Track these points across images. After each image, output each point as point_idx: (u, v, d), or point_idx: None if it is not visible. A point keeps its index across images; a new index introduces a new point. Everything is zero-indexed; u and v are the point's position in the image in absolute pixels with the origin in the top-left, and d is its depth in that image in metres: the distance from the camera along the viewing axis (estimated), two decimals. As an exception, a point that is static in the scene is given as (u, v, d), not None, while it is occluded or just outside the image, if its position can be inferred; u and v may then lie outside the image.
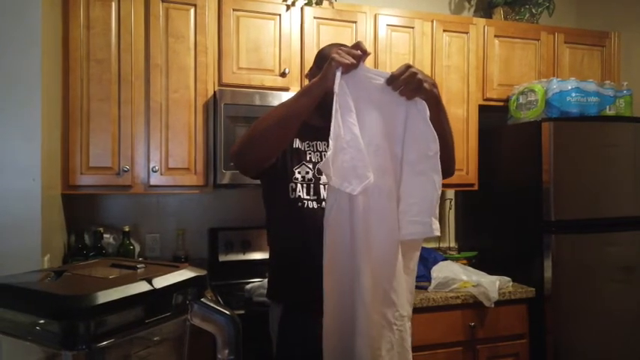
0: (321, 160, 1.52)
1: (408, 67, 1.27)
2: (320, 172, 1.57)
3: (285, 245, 1.61)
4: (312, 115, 1.53)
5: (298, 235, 1.54)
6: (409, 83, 1.25)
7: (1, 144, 1.75)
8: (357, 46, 1.26)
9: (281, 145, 1.46)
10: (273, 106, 2.22)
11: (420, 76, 1.26)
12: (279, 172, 1.57)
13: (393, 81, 1.26)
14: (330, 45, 1.68)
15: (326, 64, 1.28)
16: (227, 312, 0.98)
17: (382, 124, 1.27)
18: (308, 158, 1.60)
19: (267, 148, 1.43)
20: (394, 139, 1.29)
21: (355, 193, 1.21)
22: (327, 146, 1.47)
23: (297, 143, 1.62)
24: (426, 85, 1.27)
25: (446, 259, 2.59)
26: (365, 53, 1.26)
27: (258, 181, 2.25)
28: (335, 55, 1.25)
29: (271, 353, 1.61)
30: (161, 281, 0.88)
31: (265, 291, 2.07)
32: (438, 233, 1.28)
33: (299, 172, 1.57)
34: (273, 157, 1.50)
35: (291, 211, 1.54)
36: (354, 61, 1.24)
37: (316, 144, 1.62)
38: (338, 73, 1.23)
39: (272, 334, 1.62)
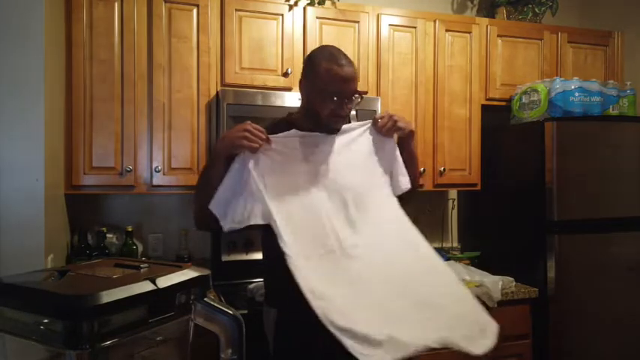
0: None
1: (390, 115, 1.57)
2: None
3: (279, 252, 1.58)
4: (302, 120, 1.57)
5: None
6: (388, 125, 1.56)
7: (5, 144, 1.75)
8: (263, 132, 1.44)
9: None
10: (276, 107, 2.25)
11: (396, 117, 1.56)
12: None
13: (375, 123, 1.57)
14: (320, 49, 1.63)
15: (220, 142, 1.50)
16: (230, 312, 0.99)
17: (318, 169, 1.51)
18: None
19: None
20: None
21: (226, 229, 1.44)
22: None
23: None
24: (400, 124, 1.56)
25: (449, 259, 2.59)
26: (268, 142, 1.45)
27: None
28: (244, 142, 1.41)
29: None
30: (164, 281, 0.89)
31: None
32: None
33: None
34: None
35: None
36: (258, 145, 1.42)
37: None
38: (244, 156, 1.44)
39: (268, 334, 1.63)
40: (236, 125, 1.48)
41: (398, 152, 1.60)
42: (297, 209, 1.45)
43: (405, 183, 1.59)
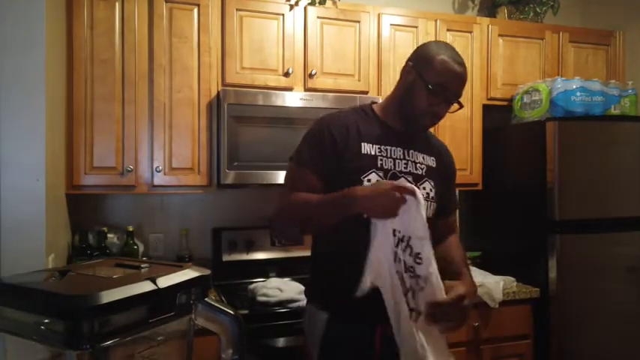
0: (394, 167, 1.45)
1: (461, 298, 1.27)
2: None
3: (341, 252, 1.42)
4: (391, 116, 1.49)
5: (359, 244, 1.29)
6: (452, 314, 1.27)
7: (6, 144, 1.75)
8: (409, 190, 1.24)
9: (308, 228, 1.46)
10: (277, 106, 2.25)
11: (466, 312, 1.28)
12: (344, 180, 1.37)
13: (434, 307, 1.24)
14: (440, 43, 1.56)
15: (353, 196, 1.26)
16: (231, 312, 0.98)
17: None
18: (379, 165, 1.43)
19: (296, 230, 1.51)
20: None
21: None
22: (402, 153, 1.46)
23: (366, 148, 1.44)
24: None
25: (450, 259, 2.58)
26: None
27: (261, 181, 2.26)
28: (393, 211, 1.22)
29: (275, 353, 1.59)
30: (165, 281, 0.89)
31: (269, 291, 2.08)
32: None
33: (368, 181, 1.39)
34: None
35: (356, 221, 1.29)
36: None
37: (390, 149, 1.46)
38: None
39: (309, 341, 1.46)
40: (378, 185, 1.29)
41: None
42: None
43: None
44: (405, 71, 1.48)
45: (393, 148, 1.47)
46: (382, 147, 1.45)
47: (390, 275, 1.26)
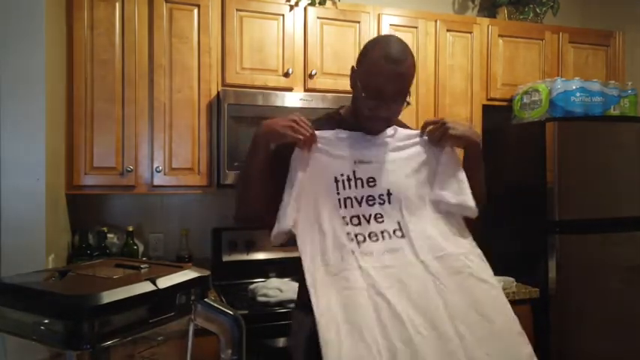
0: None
1: (442, 123, 1.37)
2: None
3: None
4: (349, 116, 1.45)
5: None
6: (435, 131, 1.37)
7: (6, 144, 1.76)
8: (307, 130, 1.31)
9: (263, 200, 1.37)
10: (277, 107, 2.25)
11: (449, 124, 1.36)
12: None
13: (424, 129, 1.40)
14: (383, 36, 1.60)
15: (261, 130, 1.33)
16: (230, 312, 0.98)
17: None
18: None
19: (253, 208, 1.41)
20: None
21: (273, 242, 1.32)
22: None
23: None
24: (454, 131, 1.35)
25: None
26: (313, 137, 1.32)
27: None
28: (288, 132, 1.30)
29: (275, 353, 1.59)
30: (165, 281, 0.89)
31: (269, 291, 2.08)
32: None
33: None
34: (264, 210, 1.37)
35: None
36: (303, 137, 1.30)
37: None
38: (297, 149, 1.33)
39: (293, 349, 1.46)
40: (269, 120, 1.35)
41: (457, 167, 1.39)
42: (325, 215, 1.30)
43: (467, 201, 1.38)
44: (351, 76, 1.43)
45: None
46: None
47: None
